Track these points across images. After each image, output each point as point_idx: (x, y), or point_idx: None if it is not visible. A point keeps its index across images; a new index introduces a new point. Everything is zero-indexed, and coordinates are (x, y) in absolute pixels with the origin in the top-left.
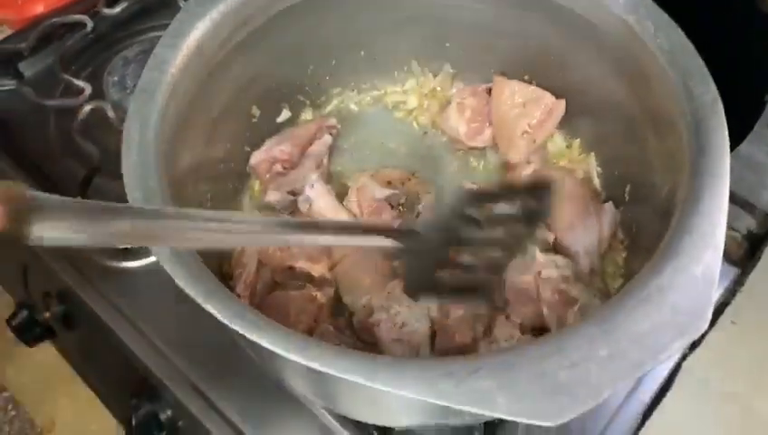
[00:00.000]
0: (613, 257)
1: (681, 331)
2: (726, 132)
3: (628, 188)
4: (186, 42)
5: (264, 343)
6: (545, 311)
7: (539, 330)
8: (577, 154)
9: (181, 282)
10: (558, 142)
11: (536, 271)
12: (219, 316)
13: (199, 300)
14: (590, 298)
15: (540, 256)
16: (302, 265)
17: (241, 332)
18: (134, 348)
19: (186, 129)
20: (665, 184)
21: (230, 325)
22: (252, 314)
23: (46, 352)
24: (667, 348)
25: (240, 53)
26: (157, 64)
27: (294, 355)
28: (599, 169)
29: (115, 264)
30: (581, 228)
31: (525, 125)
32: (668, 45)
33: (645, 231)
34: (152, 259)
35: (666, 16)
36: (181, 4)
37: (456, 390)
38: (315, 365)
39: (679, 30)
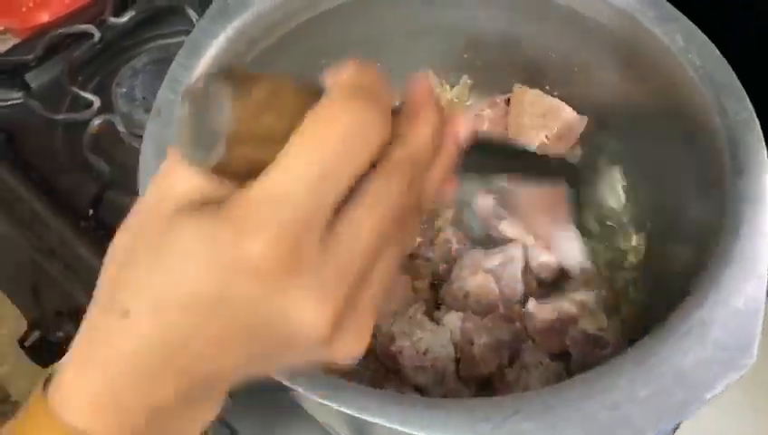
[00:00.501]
0: (633, 279)
1: (726, 367)
2: (765, 152)
3: (653, 207)
4: (200, 60)
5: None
6: (570, 347)
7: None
8: (603, 166)
9: None
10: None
11: (557, 310)
12: None
13: None
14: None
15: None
16: None
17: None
18: None
19: None
20: (696, 205)
21: None
22: None
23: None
24: (713, 386)
25: (255, 69)
26: (171, 85)
27: (324, 399)
28: (623, 182)
29: None
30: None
31: (543, 137)
32: (700, 60)
33: (672, 254)
34: None
35: (698, 30)
36: (189, 12)
37: (495, 433)
38: (344, 409)
39: (711, 44)
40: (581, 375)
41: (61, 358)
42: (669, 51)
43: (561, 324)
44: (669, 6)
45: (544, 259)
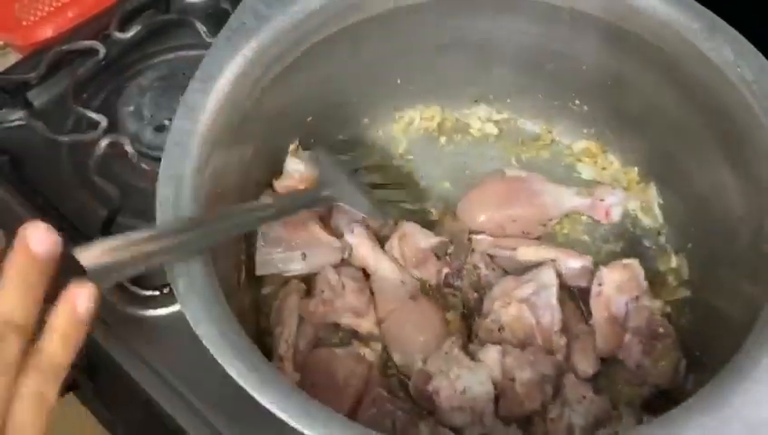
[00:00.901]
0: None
1: None
2: None
3: (694, 228)
4: (217, 84)
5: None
6: (627, 338)
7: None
8: (635, 184)
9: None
10: (615, 166)
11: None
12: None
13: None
14: None
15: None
16: (346, 320)
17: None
18: (159, 399)
19: (222, 182)
20: (745, 228)
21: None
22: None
23: (70, 403)
24: None
25: (273, 90)
26: (187, 113)
27: None
28: (660, 200)
29: (139, 312)
30: None
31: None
32: (751, 75)
33: (721, 279)
34: (177, 307)
35: (748, 44)
36: (198, 25)
37: None
38: None
39: (763, 58)
40: (650, 424)
41: (70, 390)
42: (716, 66)
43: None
44: (715, 17)
45: (574, 263)
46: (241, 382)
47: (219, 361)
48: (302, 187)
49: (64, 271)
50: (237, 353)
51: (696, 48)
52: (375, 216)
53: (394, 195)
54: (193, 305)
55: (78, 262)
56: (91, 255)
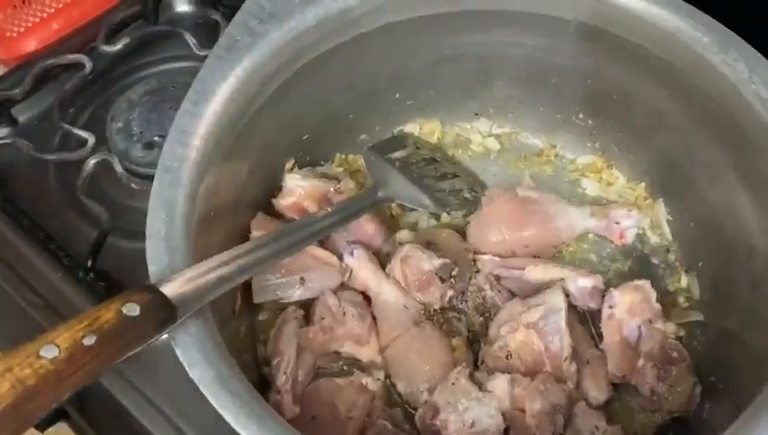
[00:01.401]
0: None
1: None
2: None
3: (706, 244)
4: (209, 107)
5: None
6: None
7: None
8: (642, 200)
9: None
10: (621, 181)
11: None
12: None
13: None
14: None
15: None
16: (347, 349)
17: None
18: (151, 427)
19: (215, 204)
20: (764, 245)
21: None
22: None
23: (60, 432)
24: None
25: (268, 109)
26: (179, 137)
27: None
28: (669, 217)
29: None
30: None
31: None
32: (767, 92)
33: (733, 297)
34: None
35: (762, 59)
36: (187, 37)
37: None
38: None
39: None
40: None
41: (59, 421)
42: (729, 81)
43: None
44: (727, 30)
45: (584, 283)
46: (239, 429)
47: (215, 406)
48: (305, 203)
49: (153, 306)
50: (233, 398)
51: (707, 62)
52: (436, 210)
53: (450, 186)
54: (187, 346)
55: (164, 295)
56: (172, 287)
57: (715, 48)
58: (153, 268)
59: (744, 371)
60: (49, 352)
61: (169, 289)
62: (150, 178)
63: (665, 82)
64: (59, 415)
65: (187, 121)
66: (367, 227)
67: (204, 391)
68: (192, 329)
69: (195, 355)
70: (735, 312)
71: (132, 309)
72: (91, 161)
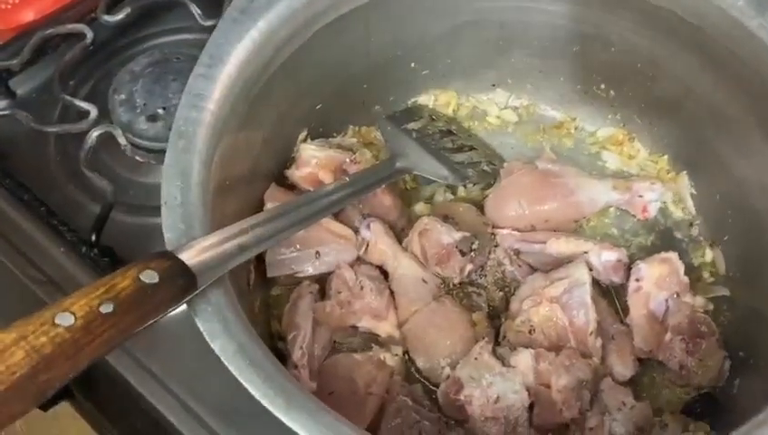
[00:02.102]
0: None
1: None
2: None
3: (731, 218)
4: (223, 70)
5: None
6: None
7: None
8: (665, 173)
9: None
10: (642, 154)
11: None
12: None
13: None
14: None
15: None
16: (365, 323)
17: None
18: (158, 405)
19: (230, 173)
20: None
21: None
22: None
23: (65, 412)
24: None
25: (283, 75)
26: (193, 100)
27: None
28: (693, 190)
29: None
30: None
31: None
32: None
33: (760, 272)
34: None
35: None
36: (192, 6)
37: None
38: None
39: None
40: None
41: (62, 400)
42: (765, 46)
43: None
44: None
45: (608, 256)
46: (266, 404)
47: (239, 379)
48: (320, 173)
49: (172, 273)
50: (258, 371)
51: (742, 25)
52: (455, 181)
53: (468, 158)
54: (208, 316)
55: (183, 262)
56: (190, 254)
57: (751, 12)
58: (169, 235)
59: (744, 347)
60: (65, 320)
61: (188, 256)
62: (154, 151)
63: (695, 50)
64: (62, 394)
65: (201, 84)
66: (383, 199)
67: (226, 364)
68: (212, 299)
69: (216, 326)
70: (764, 287)
71: (151, 276)
72: (94, 133)
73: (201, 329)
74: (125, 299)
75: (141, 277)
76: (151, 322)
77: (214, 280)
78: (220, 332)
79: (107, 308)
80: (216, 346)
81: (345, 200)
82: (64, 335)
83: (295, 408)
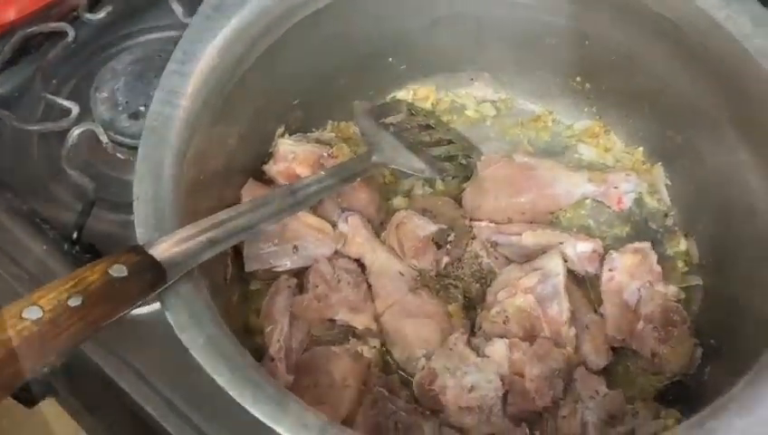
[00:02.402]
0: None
1: None
2: None
3: (705, 208)
4: (197, 66)
5: None
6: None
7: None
8: (640, 164)
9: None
10: (618, 146)
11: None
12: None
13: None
14: None
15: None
16: (342, 316)
17: None
18: (140, 400)
19: (204, 168)
20: (766, 207)
21: None
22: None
23: (49, 408)
24: None
25: (257, 71)
26: (166, 96)
27: None
28: (668, 181)
29: None
30: None
31: None
32: None
33: (733, 261)
34: (156, 307)
35: (766, 12)
36: (173, 5)
37: None
38: None
39: None
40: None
41: (47, 397)
42: (733, 37)
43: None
44: None
45: (583, 247)
46: (233, 395)
47: (207, 370)
48: (298, 168)
49: (140, 268)
50: (227, 362)
51: (711, 18)
52: (431, 175)
53: (446, 151)
54: (177, 309)
55: (152, 257)
56: (160, 249)
57: (718, 3)
58: (141, 230)
59: (744, 334)
60: (33, 314)
61: (158, 251)
62: (136, 148)
63: (669, 44)
64: (47, 391)
65: (173, 81)
66: (360, 194)
67: (195, 355)
68: (182, 292)
69: (184, 318)
70: (735, 275)
71: (119, 270)
72: (75, 131)
73: (170, 321)
74: (93, 292)
75: (110, 271)
76: (120, 315)
77: (184, 274)
78: (189, 324)
79: (75, 302)
80: (184, 338)
81: (320, 193)
82: (32, 329)
83: (263, 399)
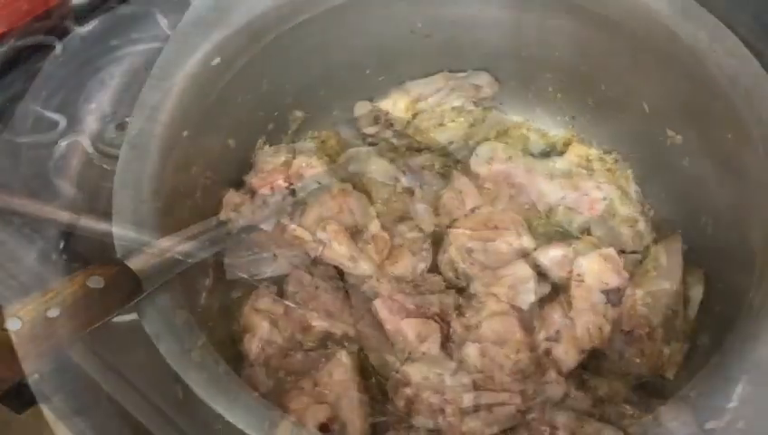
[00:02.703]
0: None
1: None
2: None
3: (675, 215)
4: (175, 81)
5: None
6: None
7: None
8: (612, 171)
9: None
10: (590, 153)
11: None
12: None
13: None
14: None
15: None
16: (321, 322)
17: None
18: (128, 405)
19: (185, 183)
20: (732, 215)
21: None
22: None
23: (38, 413)
24: None
25: (237, 85)
26: (144, 112)
27: None
28: (638, 188)
29: None
30: None
31: None
32: (730, 62)
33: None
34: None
35: (723, 27)
36: (159, 18)
37: None
38: None
39: (738, 41)
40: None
41: (37, 402)
42: (691, 49)
43: None
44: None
45: (554, 252)
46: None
47: (183, 378)
48: (279, 179)
49: (117, 279)
50: (201, 371)
51: (671, 31)
52: (409, 184)
53: (423, 160)
54: (153, 319)
55: (129, 268)
56: (137, 260)
57: (676, 17)
58: (119, 242)
59: (709, 336)
60: (13, 325)
61: (135, 263)
62: None
63: (632, 53)
64: (37, 396)
65: (153, 96)
66: (340, 201)
67: (171, 364)
68: (159, 302)
69: (161, 328)
70: (701, 279)
71: (97, 282)
72: (63, 143)
73: (147, 331)
74: (72, 304)
75: (88, 283)
76: (98, 324)
77: (160, 284)
78: (165, 334)
79: (53, 313)
80: (161, 347)
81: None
82: (12, 338)
83: (238, 406)
